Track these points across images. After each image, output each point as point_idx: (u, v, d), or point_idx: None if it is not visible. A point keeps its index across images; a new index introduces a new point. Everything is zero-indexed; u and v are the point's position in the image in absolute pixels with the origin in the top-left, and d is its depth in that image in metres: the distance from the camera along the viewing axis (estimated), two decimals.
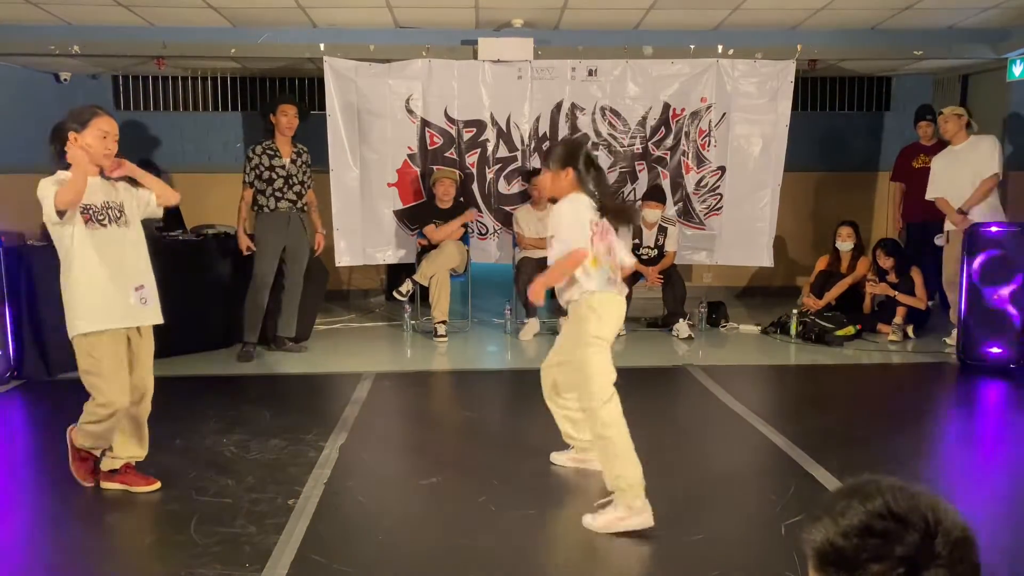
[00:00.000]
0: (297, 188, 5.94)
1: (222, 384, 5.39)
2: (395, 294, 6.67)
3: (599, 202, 3.34)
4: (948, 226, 6.09)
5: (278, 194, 5.87)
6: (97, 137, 3.33)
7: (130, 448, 3.55)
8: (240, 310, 6.02)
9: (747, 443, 4.24)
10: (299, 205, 5.98)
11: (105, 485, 3.53)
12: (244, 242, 5.96)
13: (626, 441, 3.21)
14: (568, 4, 6.11)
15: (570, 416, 3.73)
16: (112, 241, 3.37)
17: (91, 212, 3.33)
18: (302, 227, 6.01)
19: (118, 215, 3.41)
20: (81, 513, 3.33)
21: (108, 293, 3.35)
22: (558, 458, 3.87)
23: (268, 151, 5.88)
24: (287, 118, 5.87)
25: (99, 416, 3.36)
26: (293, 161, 5.94)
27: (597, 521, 3.14)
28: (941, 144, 6.88)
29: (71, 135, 3.31)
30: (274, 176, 5.86)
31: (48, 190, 3.26)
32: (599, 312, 3.26)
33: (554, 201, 3.54)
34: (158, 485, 3.53)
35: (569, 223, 3.26)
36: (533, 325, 6.64)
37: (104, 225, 3.35)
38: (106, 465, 3.56)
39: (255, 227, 5.96)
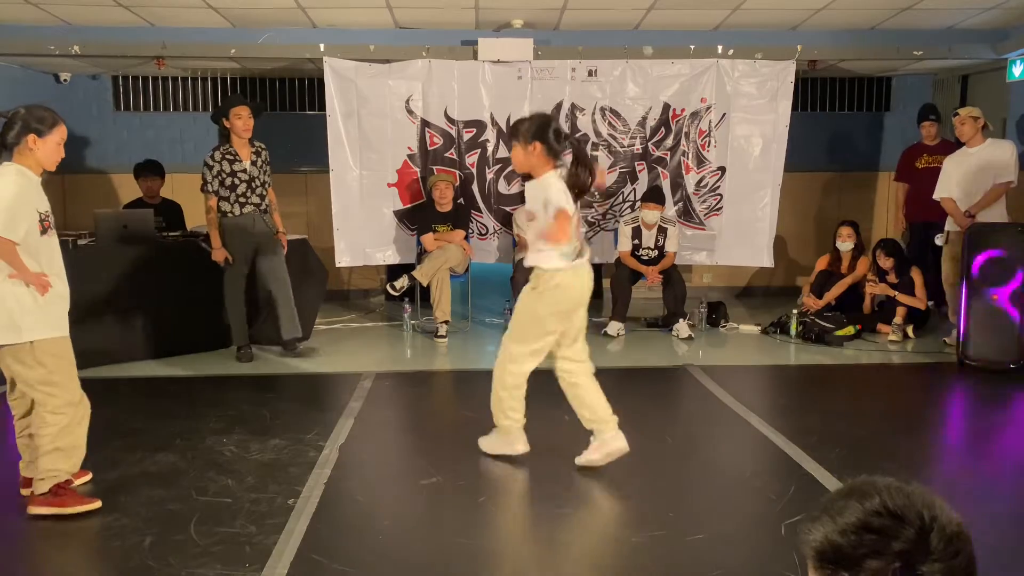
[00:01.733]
0: (260, 190, 5.76)
1: (222, 384, 5.39)
2: (389, 288, 6.65)
3: (569, 179, 3.53)
4: (949, 226, 6.08)
5: (242, 199, 5.67)
6: (56, 144, 3.31)
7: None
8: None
9: (747, 443, 4.24)
10: (263, 207, 5.79)
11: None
12: (222, 254, 5.68)
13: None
14: (568, 4, 6.11)
15: (580, 396, 3.77)
16: (55, 247, 3.39)
17: (50, 219, 3.33)
18: (267, 226, 5.82)
19: (53, 221, 3.41)
20: (80, 514, 3.32)
21: (64, 298, 3.37)
22: (587, 458, 3.77)
23: (227, 156, 5.65)
24: (242, 121, 5.62)
25: (63, 419, 3.29)
26: (253, 163, 5.72)
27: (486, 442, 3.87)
28: (945, 144, 6.87)
29: (31, 137, 3.23)
30: (236, 181, 5.65)
31: (15, 200, 3.16)
32: (563, 289, 3.59)
33: (527, 177, 3.67)
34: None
35: (548, 197, 3.48)
36: None
37: (52, 231, 3.36)
38: (31, 470, 3.41)
39: (222, 234, 5.73)
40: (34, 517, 3.28)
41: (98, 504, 3.36)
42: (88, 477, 3.61)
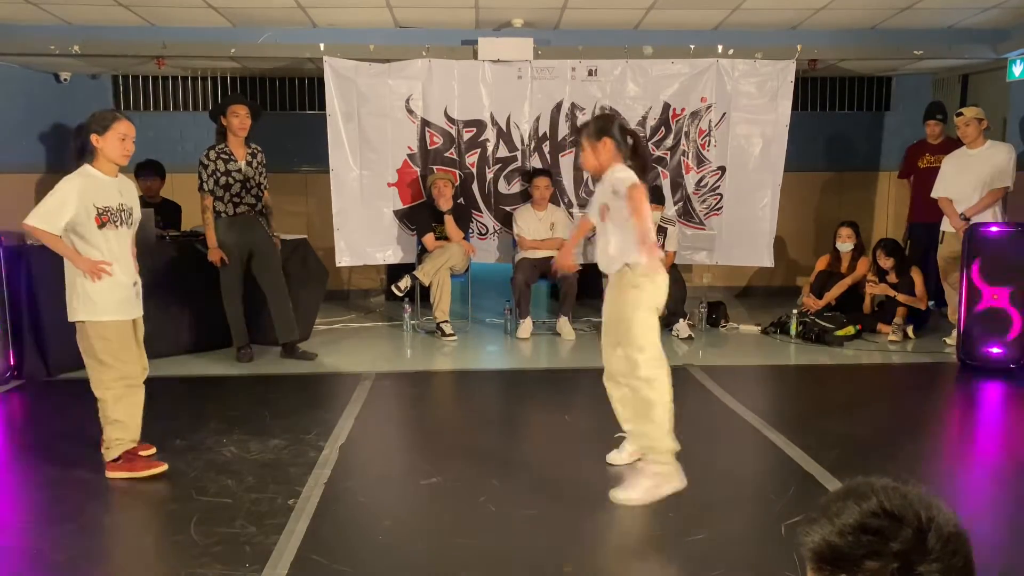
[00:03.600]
0: (255, 191, 5.72)
1: (222, 384, 5.39)
2: (393, 288, 6.65)
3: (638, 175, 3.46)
4: (945, 226, 6.09)
5: (236, 199, 5.63)
6: (116, 140, 3.60)
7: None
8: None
9: (747, 443, 4.24)
10: (258, 208, 5.75)
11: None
12: (218, 254, 5.64)
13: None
14: (568, 4, 6.11)
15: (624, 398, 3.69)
16: (118, 239, 3.68)
17: (109, 214, 3.62)
18: (263, 228, 5.79)
19: (128, 217, 3.73)
20: (80, 513, 3.33)
21: (124, 286, 3.68)
22: (616, 457, 3.78)
23: (222, 155, 5.60)
24: (239, 119, 5.57)
25: (114, 391, 3.61)
26: (248, 163, 5.68)
27: (632, 493, 3.28)
28: (948, 143, 6.86)
29: (93, 137, 3.57)
30: (231, 181, 5.60)
31: (62, 197, 3.53)
32: (659, 278, 3.43)
33: (597, 176, 3.63)
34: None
35: (614, 180, 3.41)
36: (527, 325, 6.63)
37: (117, 226, 3.65)
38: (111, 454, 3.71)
39: (216, 234, 5.70)
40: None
41: (165, 467, 3.71)
42: (152, 451, 3.89)
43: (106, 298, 3.61)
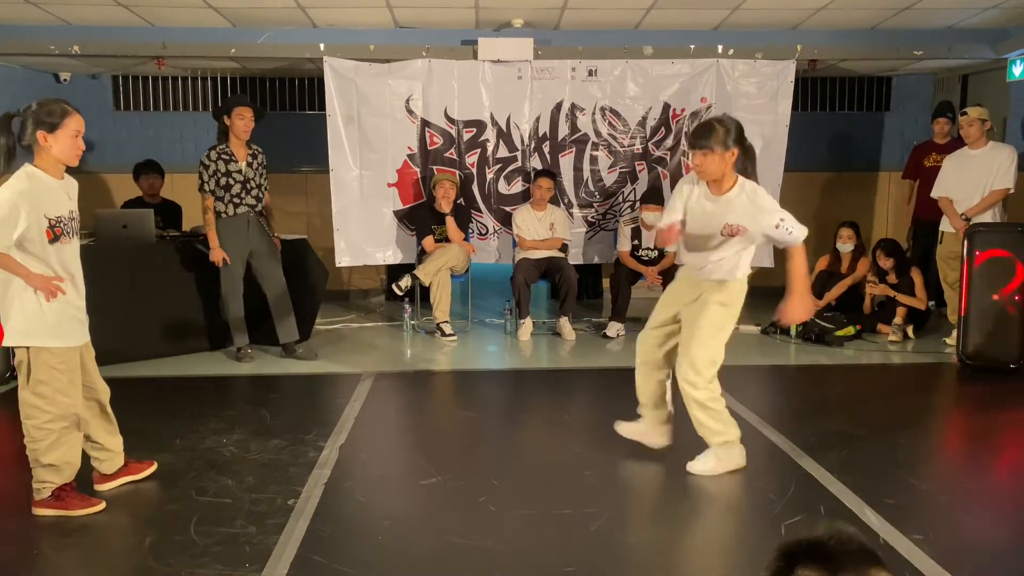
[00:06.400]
0: (255, 192, 5.71)
1: (222, 384, 5.39)
2: (393, 287, 6.65)
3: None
4: (944, 226, 6.09)
5: (236, 200, 5.62)
6: (69, 138, 3.18)
7: (114, 439, 3.57)
8: None
9: (747, 443, 4.21)
10: (258, 208, 5.75)
11: (110, 486, 3.54)
12: (220, 254, 5.63)
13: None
14: (568, 4, 6.11)
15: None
16: (74, 254, 3.29)
17: (61, 226, 3.18)
18: (262, 228, 5.79)
19: (78, 225, 3.32)
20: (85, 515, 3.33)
21: (76, 307, 3.29)
22: (625, 428, 3.93)
23: (223, 156, 5.59)
24: (244, 121, 5.57)
25: (49, 436, 3.23)
26: (249, 164, 5.68)
27: (704, 465, 3.60)
28: (955, 143, 6.86)
29: (41, 134, 3.12)
30: (231, 182, 5.60)
31: (10, 208, 3.03)
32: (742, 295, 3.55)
33: (716, 186, 3.60)
34: (155, 465, 3.69)
35: (771, 201, 3.48)
36: (528, 325, 6.63)
37: (69, 238, 3.24)
38: (107, 468, 3.57)
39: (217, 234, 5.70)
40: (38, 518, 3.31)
41: (102, 506, 3.36)
42: (153, 468, 3.70)
43: (60, 319, 3.18)
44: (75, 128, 3.18)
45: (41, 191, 3.14)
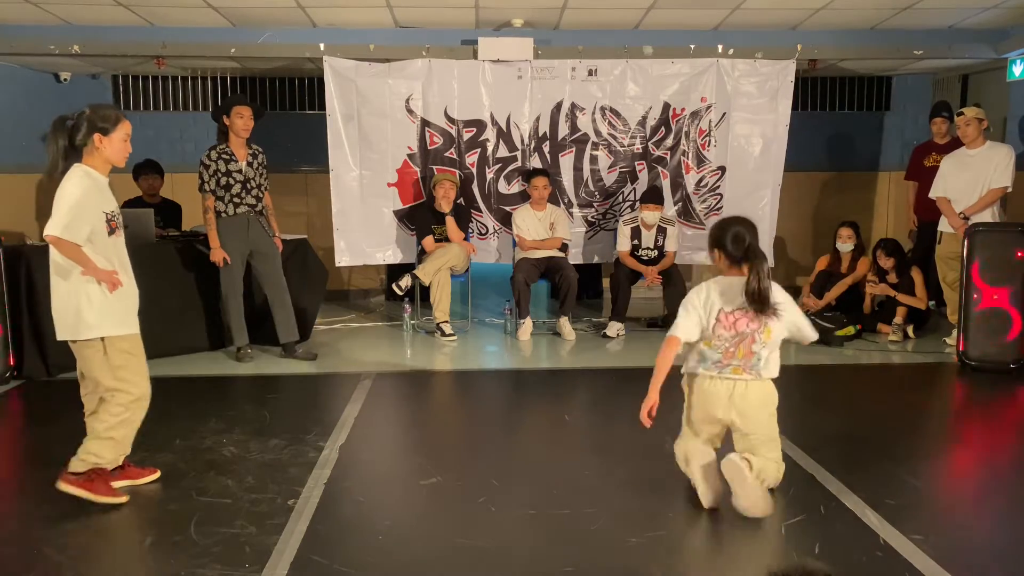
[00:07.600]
0: (255, 192, 5.71)
1: (222, 384, 5.39)
2: (393, 287, 6.65)
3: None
4: (943, 226, 6.09)
5: (236, 199, 5.63)
6: (121, 141, 3.43)
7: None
8: None
9: None
10: (258, 208, 5.75)
11: (115, 485, 3.53)
12: (220, 254, 5.64)
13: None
14: (568, 4, 6.11)
15: None
16: (122, 247, 3.50)
17: (116, 219, 3.43)
18: (263, 228, 5.79)
19: (121, 221, 3.53)
20: (80, 514, 3.32)
21: (133, 296, 3.50)
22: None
23: (224, 155, 5.60)
24: (243, 120, 5.58)
25: (125, 412, 3.41)
26: (249, 164, 5.68)
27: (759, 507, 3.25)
28: (954, 142, 6.87)
29: (97, 136, 3.36)
30: (231, 181, 5.60)
31: (80, 203, 3.25)
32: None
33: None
34: (158, 474, 3.66)
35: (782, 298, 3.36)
36: (528, 325, 6.63)
37: (121, 232, 3.48)
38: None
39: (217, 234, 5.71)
40: (61, 494, 3.35)
41: (125, 499, 3.41)
42: (155, 476, 3.67)
43: (126, 307, 3.41)
44: (126, 132, 3.46)
45: (98, 187, 3.37)
